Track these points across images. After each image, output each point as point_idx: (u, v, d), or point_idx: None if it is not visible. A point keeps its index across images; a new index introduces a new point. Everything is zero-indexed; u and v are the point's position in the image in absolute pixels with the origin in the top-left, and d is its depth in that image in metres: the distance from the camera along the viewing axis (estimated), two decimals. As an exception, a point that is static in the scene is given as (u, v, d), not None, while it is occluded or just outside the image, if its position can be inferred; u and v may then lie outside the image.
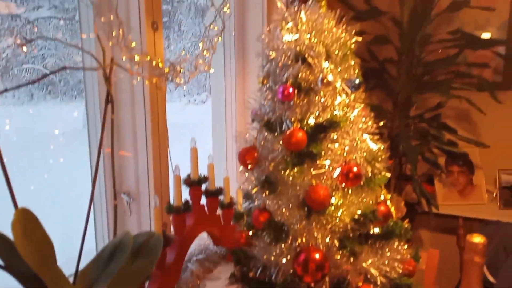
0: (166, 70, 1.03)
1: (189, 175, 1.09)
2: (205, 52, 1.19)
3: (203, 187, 1.12)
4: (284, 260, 0.77)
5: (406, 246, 0.83)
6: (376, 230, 0.81)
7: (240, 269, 0.86)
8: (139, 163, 1.14)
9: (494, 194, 2.21)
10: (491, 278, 1.50)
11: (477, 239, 0.70)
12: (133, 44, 0.89)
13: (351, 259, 0.74)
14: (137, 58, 0.91)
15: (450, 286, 1.75)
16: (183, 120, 2.78)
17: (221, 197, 1.15)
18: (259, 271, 0.82)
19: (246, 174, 0.83)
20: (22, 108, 2.10)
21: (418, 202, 2.10)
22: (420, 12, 1.79)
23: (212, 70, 1.20)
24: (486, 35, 2.08)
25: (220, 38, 1.22)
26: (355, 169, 0.76)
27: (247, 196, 0.88)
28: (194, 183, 1.07)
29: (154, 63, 0.98)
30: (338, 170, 0.77)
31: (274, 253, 0.79)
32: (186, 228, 1.04)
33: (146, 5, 1.04)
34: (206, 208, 1.13)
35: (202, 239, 1.27)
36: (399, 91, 1.96)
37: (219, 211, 1.16)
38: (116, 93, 1.12)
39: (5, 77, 2.02)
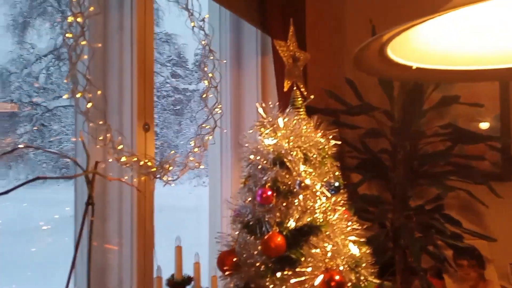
0: (154, 169, 1.05)
1: (172, 275, 1.05)
2: (196, 149, 1.22)
3: (189, 288, 1.07)
4: None
5: None
6: None
7: None
8: (123, 262, 1.11)
9: (509, 292, 2.07)
10: None
11: None
12: (120, 146, 0.93)
13: None
14: (123, 159, 0.94)
15: None
16: (191, 202, 2.77)
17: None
18: None
19: (224, 282, 0.80)
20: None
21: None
22: (410, 107, 1.86)
23: (202, 166, 1.22)
24: (483, 125, 2.11)
25: (211, 136, 1.26)
26: (337, 277, 0.72)
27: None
28: (177, 284, 1.03)
29: (141, 163, 1.01)
30: (319, 278, 0.73)
31: None
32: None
33: (139, 108, 1.09)
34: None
35: None
36: (397, 182, 1.95)
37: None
38: (105, 192, 1.13)
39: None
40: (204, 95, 1.26)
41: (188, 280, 1.05)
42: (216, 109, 1.26)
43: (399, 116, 1.93)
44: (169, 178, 1.09)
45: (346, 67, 2.20)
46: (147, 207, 1.12)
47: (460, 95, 1.91)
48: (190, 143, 1.22)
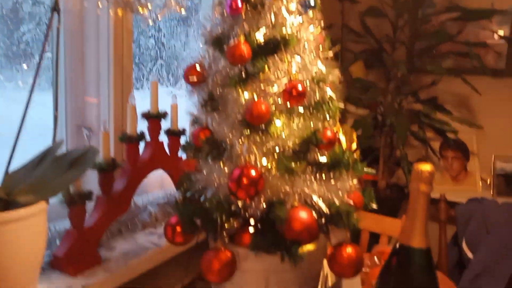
0: (130, -3, 1.00)
1: (148, 110, 1.06)
2: (178, -8, 1.16)
3: (167, 126, 1.10)
4: (223, 180, 0.74)
5: (355, 180, 0.79)
6: (323, 159, 0.77)
7: (183, 194, 0.82)
8: (101, 102, 1.13)
9: (488, 182, 2.13)
10: (469, 254, 1.43)
11: (424, 167, 0.65)
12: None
13: (289, 180, 0.70)
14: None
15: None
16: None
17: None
18: (201, 195, 0.78)
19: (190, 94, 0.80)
20: None
21: (408, 184, 2.03)
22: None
23: (183, 11, 1.17)
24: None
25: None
26: (299, 87, 0.72)
27: (194, 120, 0.85)
28: (152, 116, 1.04)
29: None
30: (282, 87, 0.73)
31: (214, 174, 0.75)
32: (140, 160, 1.01)
33: None
34: (168, 149, 1.11)
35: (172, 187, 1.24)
36: (393, 64, 1.90)
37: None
38: (82, 24, 1.10)
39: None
40: None
41: (164, 114, 1.07)
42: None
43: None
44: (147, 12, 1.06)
45: None
46: (125, 42, 1.10)
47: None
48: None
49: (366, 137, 2.04)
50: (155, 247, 1.03)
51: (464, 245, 1.45)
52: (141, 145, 1.04)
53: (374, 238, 1.40)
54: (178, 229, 0.76)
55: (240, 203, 0.71)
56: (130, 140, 0.98)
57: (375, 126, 2.21)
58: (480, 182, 2.14)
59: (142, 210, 1.15)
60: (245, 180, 0.68)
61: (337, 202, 0.73)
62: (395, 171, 2.28)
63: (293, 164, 0.70)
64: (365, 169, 0.81)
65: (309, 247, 0.70)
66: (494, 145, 2.14)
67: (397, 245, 0.64)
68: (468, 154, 2.19)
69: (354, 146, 0.77)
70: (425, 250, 0.62)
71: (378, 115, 2.02)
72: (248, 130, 0.71)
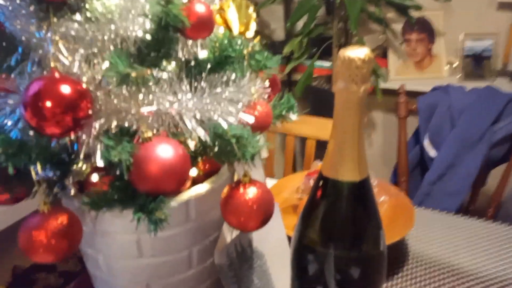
0: None
1: None
2: None
3: None
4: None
5: (259, 83, 0.50)
6: (203, 54, 0.47)
7: None
8: None
9: (455, 65, 1.90)
10: (432, 153, 1.24)
11: (356, 52, 0.35)
12: None
13: (134, 94, 0.41)
14: None
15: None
16: None
17: None
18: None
19: None
20: None
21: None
22: None
23: None
24: None
25: None
26: None
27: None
28: None
29: None
30: None
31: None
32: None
33: None
34: None
35: None
36: None
37: None
38: None
39: None
40: None
41: None
42: None
43: None
44: None
45: None
46: None
47: None
48: None
49: (315, 23, 1.72)
50: None
51: (426, 142, 1.24)
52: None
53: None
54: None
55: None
56: None
57: (327, 10, 1.87)
58: (447, 67, 1.91)
59: None
60: (49, 103, 0.38)
61: (224, 123, 0.45)
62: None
63: (138, 68, 0.40)
64: (275, 62, 0.52)
65: (178, 200, 0.44)
66: (463, 22, 1.86)
67: (321, 176, 0.39)
68: (434, 35, 1.91)
69: (252, 28, 0.47)
70: (358, 183, 0.38)
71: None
72: (49, 10, 0.39)
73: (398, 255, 0.70)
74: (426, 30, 1.89)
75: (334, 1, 1.60)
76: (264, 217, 0.46)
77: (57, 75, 0.40)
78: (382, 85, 1.80)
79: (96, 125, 0.42)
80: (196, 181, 0.51)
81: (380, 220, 0.41)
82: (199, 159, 0.53)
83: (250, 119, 0.46)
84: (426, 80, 1.85)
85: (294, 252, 0.43)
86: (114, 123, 0.42)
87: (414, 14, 1.73)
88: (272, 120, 0.51)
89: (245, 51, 0.47)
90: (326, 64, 1.94)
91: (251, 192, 0.45)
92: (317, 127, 1.13)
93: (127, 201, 0.43)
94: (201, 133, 0.43)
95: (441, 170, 1.15)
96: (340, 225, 0.40)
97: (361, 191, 0.39)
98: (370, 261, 0.41)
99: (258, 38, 0.50)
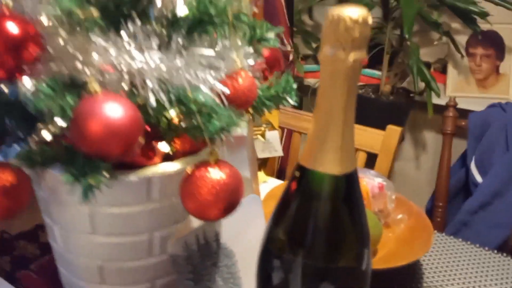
0: None
1: None
2: None
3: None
4: None
5: (248, 52, 0.43)
6: (182, 12, 0.41)
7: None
8: None
9: (525, 87, 1.69)
10: (478, 178, 1.09)
11: (347, 11, 0.27)
12: None
13: (86, 42, 0.36)
14: None
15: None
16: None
17: None
18: None
19: None
20: None
21: (415, 88, 1.61)
22: None
23: None
24: None
25: None
26: None
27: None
28: None
29: None
30: None
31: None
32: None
33: None
34: None
35: None
36: None
37: None
38: None
39: None
40: None
41: None
42: None
43: None
44: None
45: None
46: None
47: None
48: None
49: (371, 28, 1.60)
50: None
51: (473, 165, 1.09)
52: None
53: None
54: None
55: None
56: None
57: (384, 14, 1.74)
58: (515, 88, 1.71)
59: None
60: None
61: (194, 91, 0.38)
62: (408, 73, 1.86)
63: (87, 7, 0.34)
64: (276, 32, 0.45)
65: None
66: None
67: (298, 165, 0.32)
68: (504, 51, 1.72)
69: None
70: (340, 177, 0.30)
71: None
72: None
73: (404, 282, 0.59)
74: (495, 45, 1.70)
75: (390, 3, 1.48)
76: (227, 205, 0.39)
77: (6, 12, 0.35)
78: (436, 100, 1.64)
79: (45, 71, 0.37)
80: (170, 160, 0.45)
81: (367, 230, 0.32)
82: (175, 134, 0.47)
83: (225, 90, 0.39)
84: (488, 100, 1.65)
85: (259, 255, 0.35)
86: (64, 71, 0.37)
87: (484, 26, 1.56)
88: (255, 95, 0.43)
89: (229, 11, 0.40)
90: (376, 72, 1.81)
91: (215, 174, 0.38)
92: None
93: (67, 162, 0.37)
94: (163, 97, 0.37)
95: (486, 198, 1.00)
96: (311, 227, 0.32)
97: (342, 188, 0.31)
98: (345, 279, 0.33)
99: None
